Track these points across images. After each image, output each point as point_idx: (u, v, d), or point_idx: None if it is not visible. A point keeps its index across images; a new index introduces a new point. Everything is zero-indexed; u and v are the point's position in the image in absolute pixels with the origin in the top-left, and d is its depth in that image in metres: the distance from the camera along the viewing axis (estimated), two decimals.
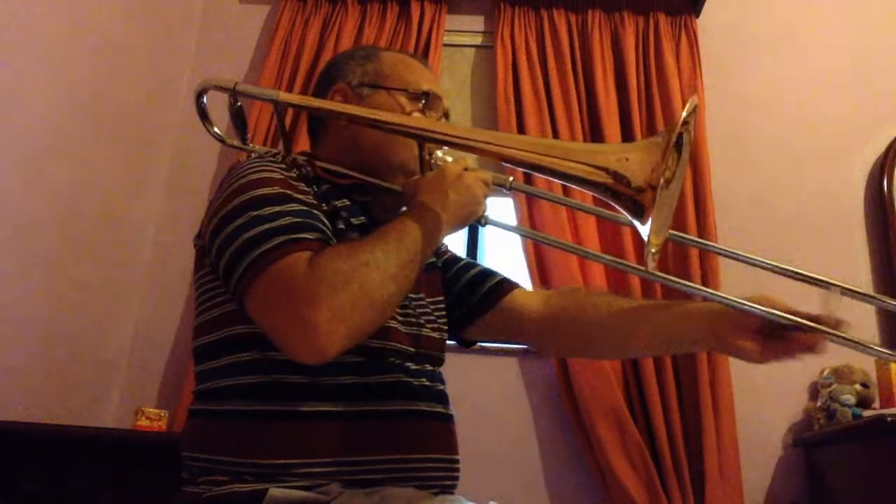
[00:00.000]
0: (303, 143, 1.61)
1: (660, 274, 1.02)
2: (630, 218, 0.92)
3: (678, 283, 1.04)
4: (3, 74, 1.94)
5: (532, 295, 1.35)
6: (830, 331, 0.96)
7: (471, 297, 1.33)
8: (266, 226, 0.96)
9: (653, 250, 0.93)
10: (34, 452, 1.91)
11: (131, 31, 2.52)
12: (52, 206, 2.14)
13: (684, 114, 0.88)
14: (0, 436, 1.87)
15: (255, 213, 0.98)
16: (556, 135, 2.63)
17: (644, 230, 0.90)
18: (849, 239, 2.63)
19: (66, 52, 2.19)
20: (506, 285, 1.35)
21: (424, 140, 1.12)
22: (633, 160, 0.92)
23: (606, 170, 0.93)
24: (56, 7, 2.14)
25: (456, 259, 1.39)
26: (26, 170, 2.03)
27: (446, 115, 1.29)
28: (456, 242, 2.78)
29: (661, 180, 0.86)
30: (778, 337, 1.02)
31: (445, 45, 2.87)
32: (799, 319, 0.98)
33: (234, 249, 0.96)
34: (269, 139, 2.63)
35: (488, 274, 1.36)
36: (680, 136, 0.89)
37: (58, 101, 2.16)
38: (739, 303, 1.02)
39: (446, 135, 1.11)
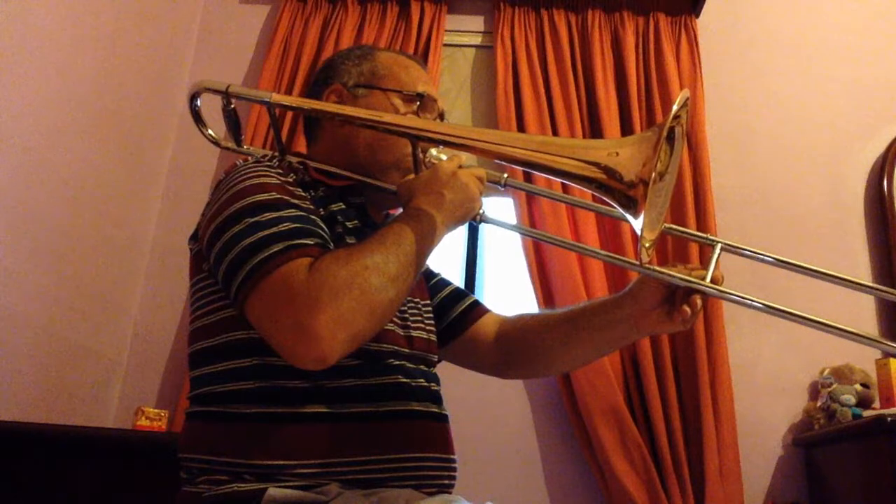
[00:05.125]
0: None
1: (654, 268, 1.01)
2: (623, 213, 0.92)
3: (673, 276, 1.03)
4: (3, 74, 1.94)
5: (490, 323, 1.37)
6: (832, 323, 0.96)
7: (441, 321, 1.33)
8: (264, 232, 0.96)
9: (646, 245, 0.94)
10: (34, 452, 1.90)
11: (131, 31, 2.52)
12: (51, 206, 2.14)
13: (675, 107, 0.88)
14: (0, 436, 1.87)
15: (252, 219, 0.98)
16: (556, 135, 2.62)
17: (637, 224, 0.90)
18: (849, 239, 2.63)
19: (66, 52, 2.19)
20: (475, 311, 1.37)
21: (417, 139, 1.12)
22: (624, 155, 0.92)
23: (597, 165, 0.94)
24: (56, 6, 2.14)
25: (431, 273, 1.40)
26: (26, 169, 2.03)
27: (441, 116, 1.29)
28: (456, 243, 2.78)
29: (653, 174, 0.86)
30: (672, 300, 1.10)
31: (445, 45, 2.87)
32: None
33: (233, 257, 0.96)
34: (269, 140, 2.63)
35: (459, 296, 1.38)
36: (672, 129, 0.89)
37: (57, 102, 2.16)
38: (740, 297, 1.03)
39: (438, 133, 1.12)
